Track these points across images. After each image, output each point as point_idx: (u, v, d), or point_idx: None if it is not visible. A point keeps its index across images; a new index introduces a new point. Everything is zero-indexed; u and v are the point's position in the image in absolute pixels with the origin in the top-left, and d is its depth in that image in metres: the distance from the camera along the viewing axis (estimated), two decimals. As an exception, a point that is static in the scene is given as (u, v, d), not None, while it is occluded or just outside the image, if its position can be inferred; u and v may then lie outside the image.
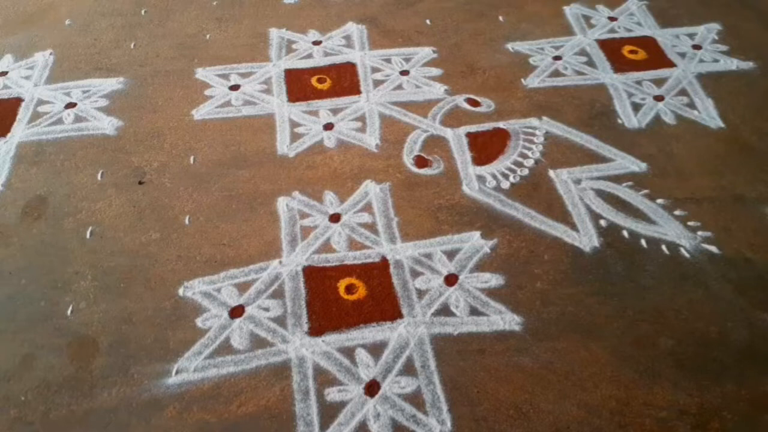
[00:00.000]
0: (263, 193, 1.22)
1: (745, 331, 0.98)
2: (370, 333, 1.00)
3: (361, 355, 0.97)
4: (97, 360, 0.98)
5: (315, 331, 1.01)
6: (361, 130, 1.34)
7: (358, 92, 1.43)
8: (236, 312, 1.03)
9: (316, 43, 1.57)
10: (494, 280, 1.07)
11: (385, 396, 0.93)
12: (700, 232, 1.12)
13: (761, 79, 1.44)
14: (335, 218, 1.17)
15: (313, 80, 1.47)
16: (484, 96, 1.41)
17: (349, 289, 1.06)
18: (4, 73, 1.51)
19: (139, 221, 1.18)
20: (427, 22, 1.62)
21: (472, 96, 1.41)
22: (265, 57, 1.53)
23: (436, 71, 1.47)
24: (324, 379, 0.95)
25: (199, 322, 1.02)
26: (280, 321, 1.02)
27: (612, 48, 1.53)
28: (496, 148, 1.30)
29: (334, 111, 1.39)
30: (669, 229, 1.13)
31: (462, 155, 1.28)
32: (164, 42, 1.58)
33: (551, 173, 1.24)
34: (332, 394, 0.93)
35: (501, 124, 1.34)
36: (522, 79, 1.45)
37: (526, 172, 1.25)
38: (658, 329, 1.00)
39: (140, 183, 1.25)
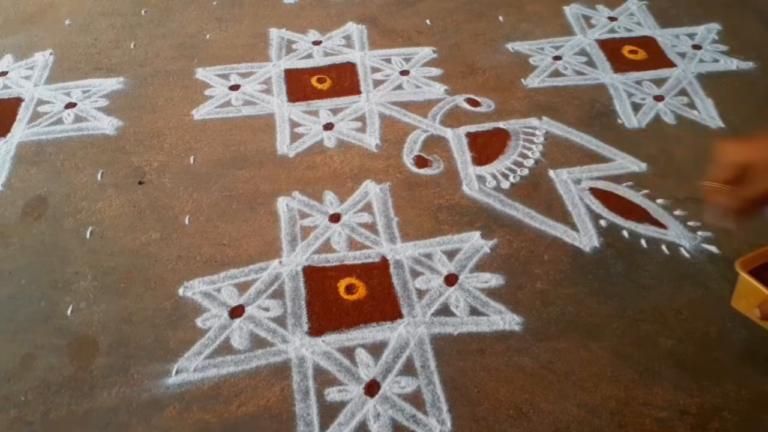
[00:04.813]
0: (263, 193, 1.22)
1: (745, 331, 0.98)
2: (370, 333, 1.00)
3: (361, 355, 0.97)
4: (97, 360, 0.98)
5: (315, 331, 1.01)
6: (361, 130, 1.34)
7: (358, 92, 1.43)
8: (236, 312, 1.04)
9: (316, 43, 1.57)
10: (494, 280, 1.07)
11: (385, 396, 0.93)
12: (700, 232, 1.12)
13: (761, 79, 1.44)
14: (335, 218, 1.17)
15: (313, 80, 1.47)
16: (484, 96, 1.41)
17: (349, 289, 1.06)
18: (4, 73, 1.51)
19: (139, 221, 1.18)
20: (427, 22, 1.62)
21: (472, 96, 1.41)
22: (265, 57, 1.53)
23: (436, 71, 1.47)
24: (324, 379, 0.95)
25: (199, 322, 1.02)
26: (280, 321, 1.02)
27: (612, 48, 1.53)
28: (496, 148, 1.30)
29: (334, 111, 1.39)
30: (669, 229, 1.13)
31: (462, 155, 1.28)
32: (164, 42, 1.58)
33: (551, 173, 1.24)
34: (332, 394, 0.93)
35: (501, 124, 1.35)
36: (522, 79, 1.45)
37: (526, 172, 1.25)
38: (658, 329, 1.00)
39: (140, 183, 1.25)
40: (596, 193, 1.20)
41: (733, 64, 1.47)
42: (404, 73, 1.47)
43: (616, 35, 1.57)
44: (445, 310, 1.03)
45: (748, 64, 1.47)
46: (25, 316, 1.04)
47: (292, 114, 1.38)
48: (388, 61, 1.51)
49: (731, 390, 0.92)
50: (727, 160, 0.86)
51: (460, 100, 1.40)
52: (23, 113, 1.40)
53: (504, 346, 0.98)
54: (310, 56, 1.53)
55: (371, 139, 1.32)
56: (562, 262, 1.09)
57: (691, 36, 1.56)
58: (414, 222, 1.16)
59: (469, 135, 1.32)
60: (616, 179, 1.22)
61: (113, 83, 1.47)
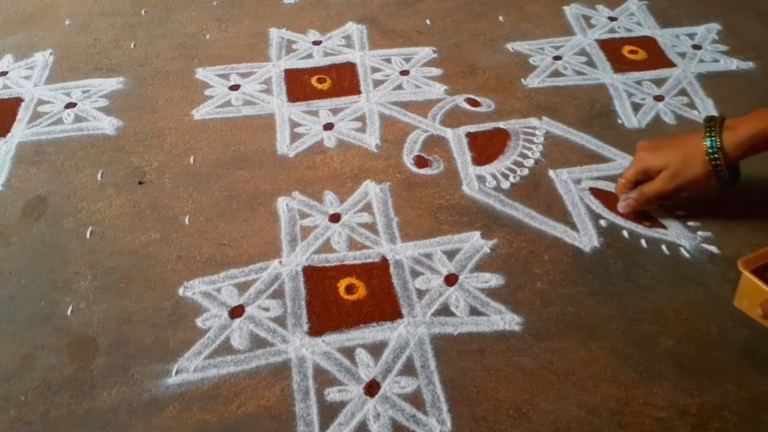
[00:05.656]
0: (263, 193, 1.22)
1: (745, 331, 0.98)
2: (370, 333, 1.00)
3: (361, 355, 0.97)
4: (97, 360, 0.98)
5: (315, 331, 1.01)
6: (361, 130, 1.34)
7: (358, 92, 1.43)
8: (236, 312, 1.04)
9: (316, 43, 1.57)
10: (494, 280, 1.07)
11: (385, 396, 0.93)
12: (700, 232, 1.12)
13: (761, 79, 1.44)
14: (335, 218, 1.17)
15: (313, 80, 1.47)
16: (484, 96, 1.41)
17: (349, 289, 1.06)
18: (4, 73, 1.51)
19: (139, 221, 1.18)
20: (427, 22, 1.62)
21: (472, 96, 1.41)
22: (265, 57, 1.53)
23: (436, 71, 1.48)
24: (324, 379, 0.95)
25: (199, 322, 1.02)
26: (280, 321, 1.02)
27: (612, 48, 1.53)
28: (496, 148, 1.30)
29: (334, 111, 1.39)
30: (669, 229, 1.13)
31: (462, 155, 1.28)
32: (164, 42, 1.58)
33: (551, 173, 1.24)
34: (332, 394, 0.93)
35: (501, 124, 1.35)
36: (522, 79, 1.45)
37: (526, 172, 1.25)
38: (658, 329, 1.00)
39: (140, 183, 1.25)
40: (596, 193, 1.20)
41: (733, 64, 1.47)
42: (404, 73, 1.47)
43: (616, 35, 1.57)
44: (445, 310, 1.02)
45: (748, 64, 1.47)
46: (25, 316, 1.04)
47: (292, 114, 1.38)
48: (388, 61, 1.51)
49: (731, 390, 0.92)
50: (637, 165, 1.10)
51: (460, 100, 1.40)
52: (23, 113, 1.40)
53: (504, 346, 0.98)
54: (310, 56, 1.53)
55: (371, 139, 1.32)
56: (562, 262, 1.09)
57: (691, 36, 1.56)
58: (414, 222, 1.16)
59: (469, 135, 1.32)
60: (616, 179, 1.22)
61: (113, 83, 1.47)
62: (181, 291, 1.07)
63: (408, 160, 1.28)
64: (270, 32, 1.60)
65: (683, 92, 1.41)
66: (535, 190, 1.21)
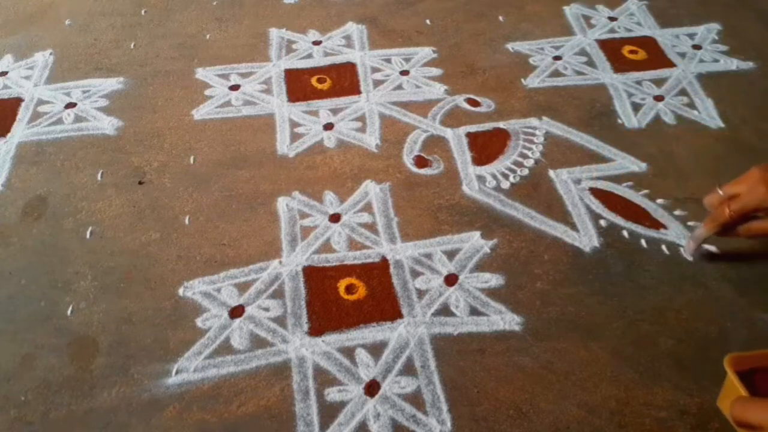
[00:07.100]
0: (263, 193, 1.22)
1: (745, 331, 0.99)
2: (370, 333, 1.00)
3: (361, 355, 0.97)
4: (97, 360, 0.98)
5: (315, 331, 1.01)
6: (361, 130, 1.34)
7: (358, 92, 1.43)
8: (236, 312, 1.04)
9: (316, 43, 1.57)
10: (494, 280, 1.07)
11: (385, 396, 0.93)
12: (700, 232, 1.12)
13: (761, 79, 1.44)
14: (335, 218, 1.17)
15: (313, 80, 1.47)
16: (484, 96, 1.41)
17: (349, 289, 1.06)
18: (4, 73, 1.51)
19: (139, 221, 1.18)
20: (427, 22, 1.62)
21: (472, 96, 1.41)
22: (265, 57, 1.53)
23: (436, 71, 1.48)
24: (324, 379, 0.95)
25: (199, 322, 1.02)
26: (280, 321, 1.02)
27: (612, 48, 1.53)
28: (496, 148, 1.30)
29: (334, 111, 1.39)
30: (669, 229, 1.13)
31: (462, 155, 1.28)
32: (164, 42, 1.58)
33: (551, 173, 1.24)
34: (332, 394, 0.93)
35: (501, 124, 1.35)
36: (522, 79, 1.45)
37: (526, 172, 1.25)
38: (658, 329, 1.00)
39: (140, 183, 1.25)
40: (596, 193, 1.20)
41: (733, 64, 1.47)
42: (404, 73, 1.47)
43: (616, 35, 1.57)
44: (445, 310, 1.03)
45: (748, 64, 1.47)
46: (25, 316, 1.04)
47: (292, 114, 1.38)
48: (388, 61, 1.51)
49: (731, 390, 0.92)
50: (755, 200, 0.94)
51: (460, 100, 1.40)
52: (23, 113, 1.40)
53: (504, 346, 0.98)
54: (310, 56, 1.53)
55: (371, 139, 1.32)
56: (562, 262, 1.09)
57: (691, 36, 1.56)
58: (414, 222, 1.16)
59: (469, 135, 1.32)
60: (616, 179, 1.22)
61: (113, 83, 1.47)
62: (181, 291, 1.07)
63: (408, 160, 1.28)
64: (270, 32, 1.60)
65: (683, 92, 1.41)
66: (535, 190, 1.21)
